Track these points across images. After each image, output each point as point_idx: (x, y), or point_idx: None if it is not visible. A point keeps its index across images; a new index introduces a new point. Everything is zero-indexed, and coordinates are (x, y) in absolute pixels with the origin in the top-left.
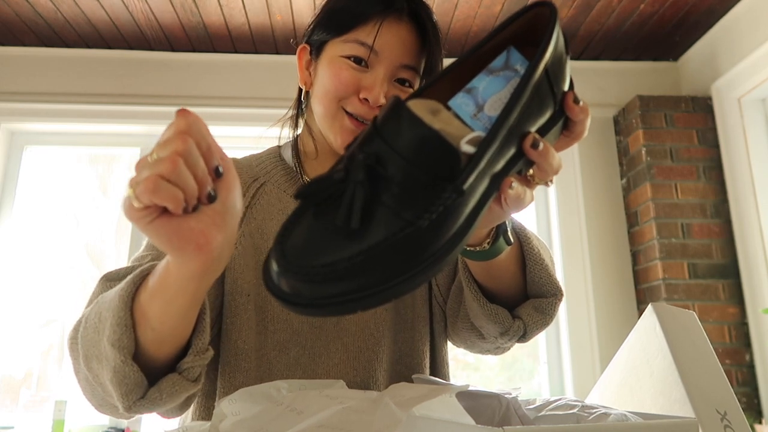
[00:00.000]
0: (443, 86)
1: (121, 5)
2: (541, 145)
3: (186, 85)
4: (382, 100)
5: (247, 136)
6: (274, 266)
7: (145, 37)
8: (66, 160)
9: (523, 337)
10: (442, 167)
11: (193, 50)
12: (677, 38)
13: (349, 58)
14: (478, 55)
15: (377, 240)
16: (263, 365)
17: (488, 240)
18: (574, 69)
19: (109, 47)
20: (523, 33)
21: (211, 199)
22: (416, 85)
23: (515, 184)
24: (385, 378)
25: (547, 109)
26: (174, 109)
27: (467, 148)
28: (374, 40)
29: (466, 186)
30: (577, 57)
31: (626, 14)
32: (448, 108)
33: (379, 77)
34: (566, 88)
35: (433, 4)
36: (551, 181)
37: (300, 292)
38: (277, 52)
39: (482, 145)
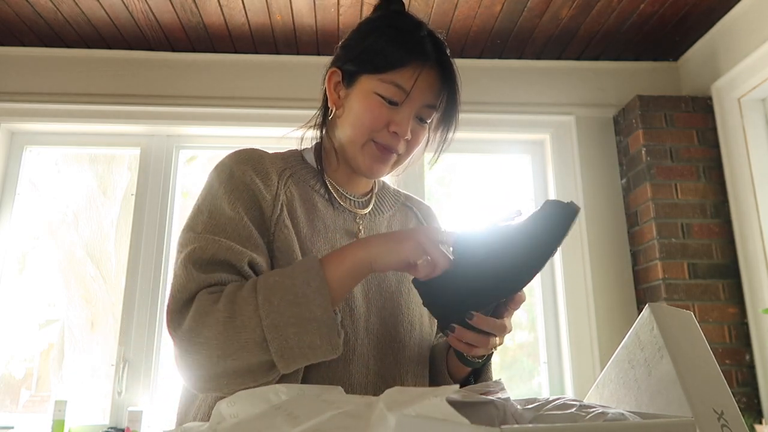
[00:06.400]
0: None
1: (121, 5)
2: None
3: (186, 85)
4: (409, 134)
5: (247, 136)
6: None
7: (145, 37)
8: (66, 160)
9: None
10: None
11: (193, 50)
12: (677, 38)
13: (383, 97)
14: None
15: None
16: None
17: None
18: (574, 69)
19: (109, 47)
20: None
21: None
22: (432, 118)
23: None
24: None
25: None
26: (174, 109)
27: None
28: (412, 87)
29: None
30: (577, 57)
31: (626, 14)
32: None
33: (408, 115)
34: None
35: (433, 5)
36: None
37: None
38: (277, 52)
39: None
